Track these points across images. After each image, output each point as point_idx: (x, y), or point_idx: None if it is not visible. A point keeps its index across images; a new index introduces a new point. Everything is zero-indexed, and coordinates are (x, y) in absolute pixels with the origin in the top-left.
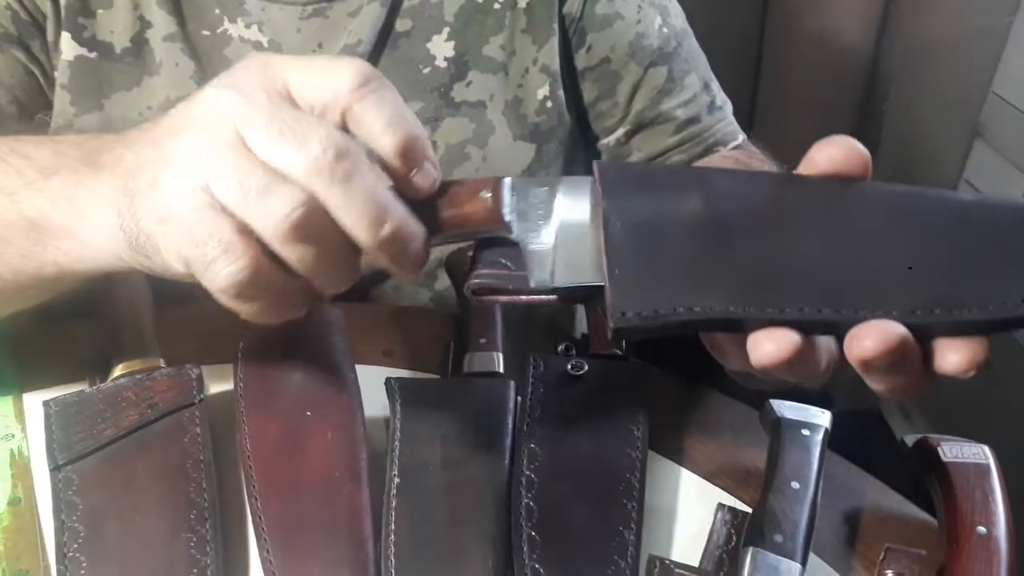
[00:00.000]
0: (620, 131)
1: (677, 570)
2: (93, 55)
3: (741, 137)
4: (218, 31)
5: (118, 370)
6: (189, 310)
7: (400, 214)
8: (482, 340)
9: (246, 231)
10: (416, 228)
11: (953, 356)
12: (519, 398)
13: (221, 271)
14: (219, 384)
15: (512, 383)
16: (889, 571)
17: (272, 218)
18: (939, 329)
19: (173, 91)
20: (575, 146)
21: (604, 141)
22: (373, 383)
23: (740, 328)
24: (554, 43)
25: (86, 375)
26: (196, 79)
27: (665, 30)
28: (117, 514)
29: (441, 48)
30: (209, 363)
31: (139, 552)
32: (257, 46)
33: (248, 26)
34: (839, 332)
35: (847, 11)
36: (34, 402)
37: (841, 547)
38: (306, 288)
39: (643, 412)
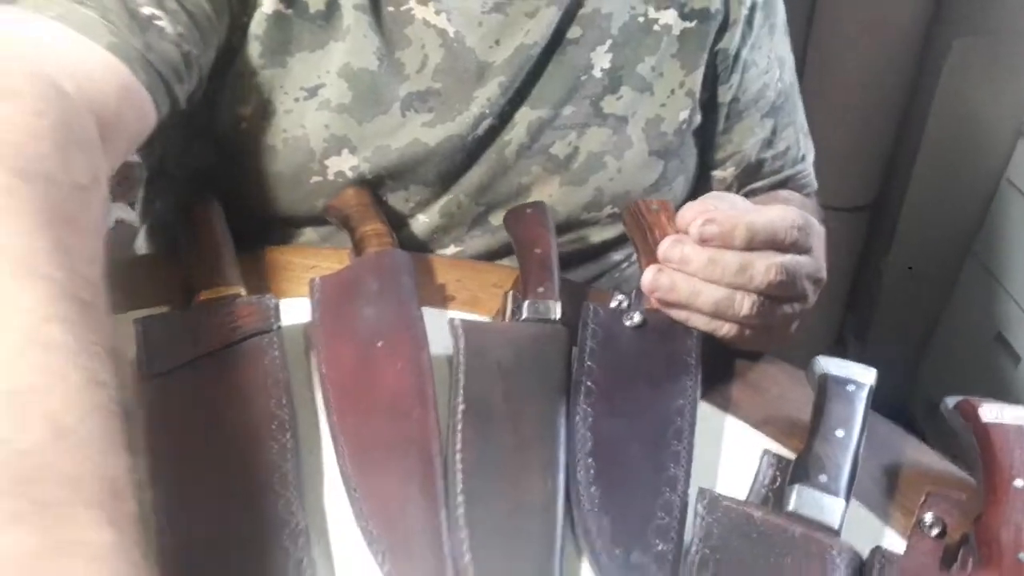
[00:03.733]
0: (731, 170)
1: (724, 501)
2: (289, 11)
3: (810, 189)
4: (402, 8)
5: (202, 296)
6: (260, 252)
7: None
8: (540, 289)
9: None
10: None
11: None
12: (575, 346)
13: None
14: (291, 317)
15: (567, 330)
16: (928, 514)
17: None
18: None
19: (354, 60)
20: (693, 168)
21: (714, 173)
22: (436, 326)
23: None
24: (701, 72)
25: (169, 303)
26: (378, 55)
27: (780, 85)
28: (203, 426)
29: (601, 59)
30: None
31: (226, 458)
32: (442, 34)
33: (438, 13)
34: None
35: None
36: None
37: (881, 496)
38: None
39: (694, 363)
